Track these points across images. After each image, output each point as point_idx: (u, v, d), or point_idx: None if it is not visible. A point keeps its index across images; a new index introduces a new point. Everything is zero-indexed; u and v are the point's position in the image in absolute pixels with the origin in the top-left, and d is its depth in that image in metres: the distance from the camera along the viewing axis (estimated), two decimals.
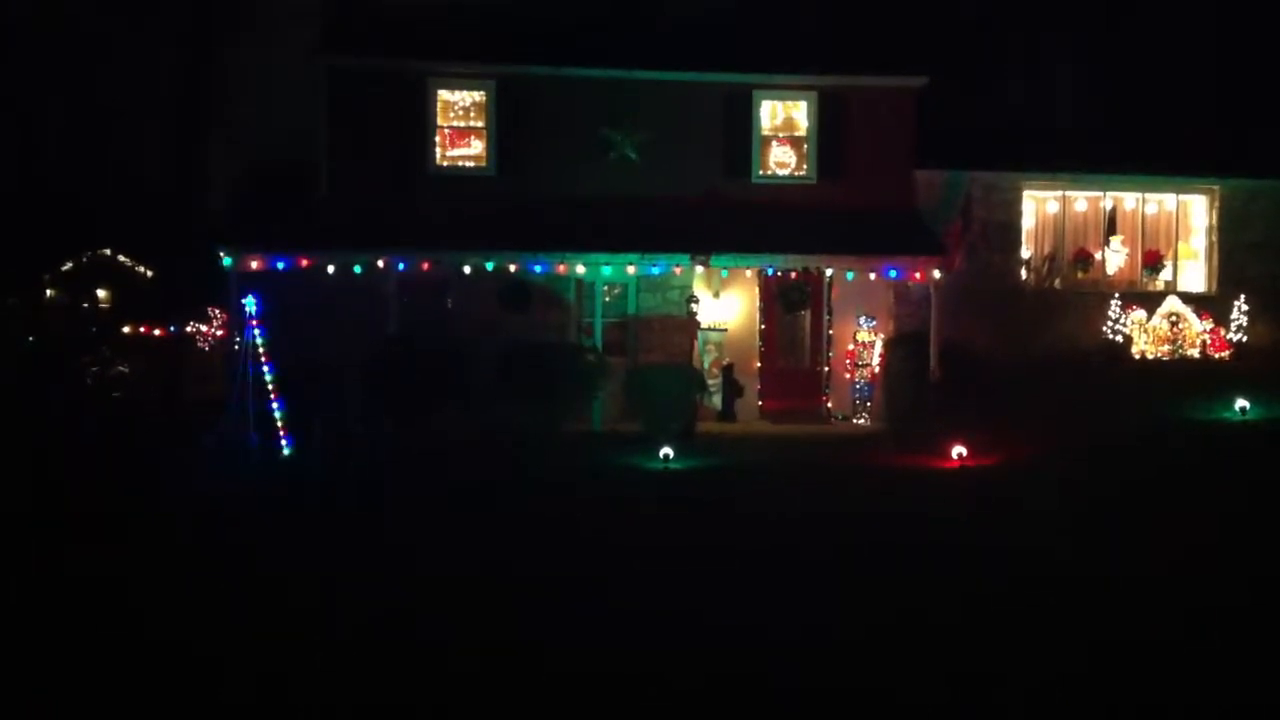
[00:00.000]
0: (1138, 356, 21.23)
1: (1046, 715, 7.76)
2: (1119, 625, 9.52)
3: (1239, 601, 10.03)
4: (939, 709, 7.82)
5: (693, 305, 21.27)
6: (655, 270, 20.55)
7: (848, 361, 21.81)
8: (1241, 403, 17.80)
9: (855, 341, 21.68)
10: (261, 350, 17.64)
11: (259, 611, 9.89)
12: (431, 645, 9.06)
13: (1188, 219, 23.00)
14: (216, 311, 31.48)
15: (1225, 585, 10.54)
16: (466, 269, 19.89)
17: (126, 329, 34.59)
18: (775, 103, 21.94)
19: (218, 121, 33.14)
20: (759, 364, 22.21)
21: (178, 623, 9.58)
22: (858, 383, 21.63)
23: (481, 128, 21.43)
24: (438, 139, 21.36)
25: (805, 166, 21.91)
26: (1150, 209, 22.89)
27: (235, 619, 9.65)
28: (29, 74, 34.62)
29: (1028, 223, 22.61)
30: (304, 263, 19.39)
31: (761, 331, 22.24)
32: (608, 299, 21.27)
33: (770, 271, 21.24)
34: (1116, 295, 21.79)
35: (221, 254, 19.42)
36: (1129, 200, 22.86)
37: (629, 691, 8.12)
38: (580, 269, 20.16)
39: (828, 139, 21.82)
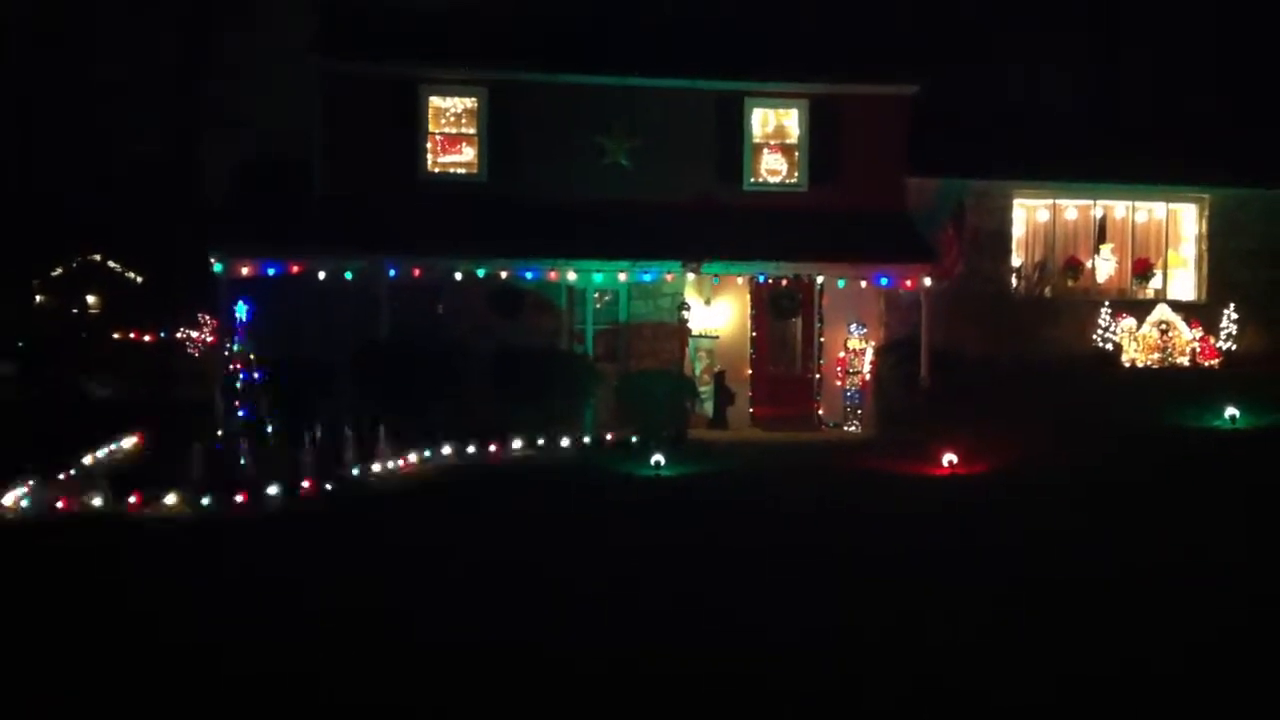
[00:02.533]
0: (1128, 364, 21.28)
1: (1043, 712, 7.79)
2: (1118, 627, 9.53)
3: (1228, 609, 10.04)
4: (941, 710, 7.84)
5: (684, 312, 21.26)
6: (647, 277, 20.56)
7: (839, 368, 21.82)
8: (1231, 410, 17.83)
9: (846, 348, 21.70)
10: (252, 355, 17.62)
11: (257, 613, 9.87)
12: (431, 646, 9.05)
13: (1177, 227, 23.07)
14: (207, 317, 31.48)
15: (1219, 592, 10.55)
16: (458, 275, 19.88)
17: (116, 334, 34.56)
18: (767, 110, 21.97)
19: (209, 126, 33.11)
20: (750, 371, 22.21)
21: (175, 623, 9.56)
22: (849, 389, 21.64)
23: (473, 134, 21.42)
24: (429, 145, 21.34)
25: (797, 173, 21.94)
26: (1140, 217, 22.96)
27: (233, 621, 9.62)
28: (19, 77, 34.55)
29: (1018, 230, 22.68)
30: (295, 268, 19.36)
31: (753, 338, 22.24)
32: (599, 305, 21.26)
33: (761, 278, 21.27)
34: (1106, 303, 21.85)
35: (212, 259, 19.37)
36: (1119, 208, 22.94)
37: (627, 692, 8.11)
38: (572, 275, 20.18)
39: (819, 146, 21.85)
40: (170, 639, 9.26)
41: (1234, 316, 21.83)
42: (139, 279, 41.72)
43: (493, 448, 18.23)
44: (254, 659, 8.77)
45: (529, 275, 20.01)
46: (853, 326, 21.67)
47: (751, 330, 22.24)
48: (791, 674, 8.45)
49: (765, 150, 21.99)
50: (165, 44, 32.50)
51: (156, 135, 34.01)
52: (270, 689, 8.21)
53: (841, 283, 20.94)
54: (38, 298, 40.75)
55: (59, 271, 41.93)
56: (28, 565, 11.74)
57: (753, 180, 21.91)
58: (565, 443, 18.87)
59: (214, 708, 7.91)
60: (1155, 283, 22.75)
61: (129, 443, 18.82)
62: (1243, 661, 8.76)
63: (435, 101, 21.36)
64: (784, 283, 21.27)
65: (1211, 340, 21.55)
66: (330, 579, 11.09)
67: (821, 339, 22.10)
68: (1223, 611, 9.91)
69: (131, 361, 31.10)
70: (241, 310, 17.90)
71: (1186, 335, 21.45)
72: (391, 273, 19.65)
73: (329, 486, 15.51)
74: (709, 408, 21.72)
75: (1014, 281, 22.40)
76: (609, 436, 19.43)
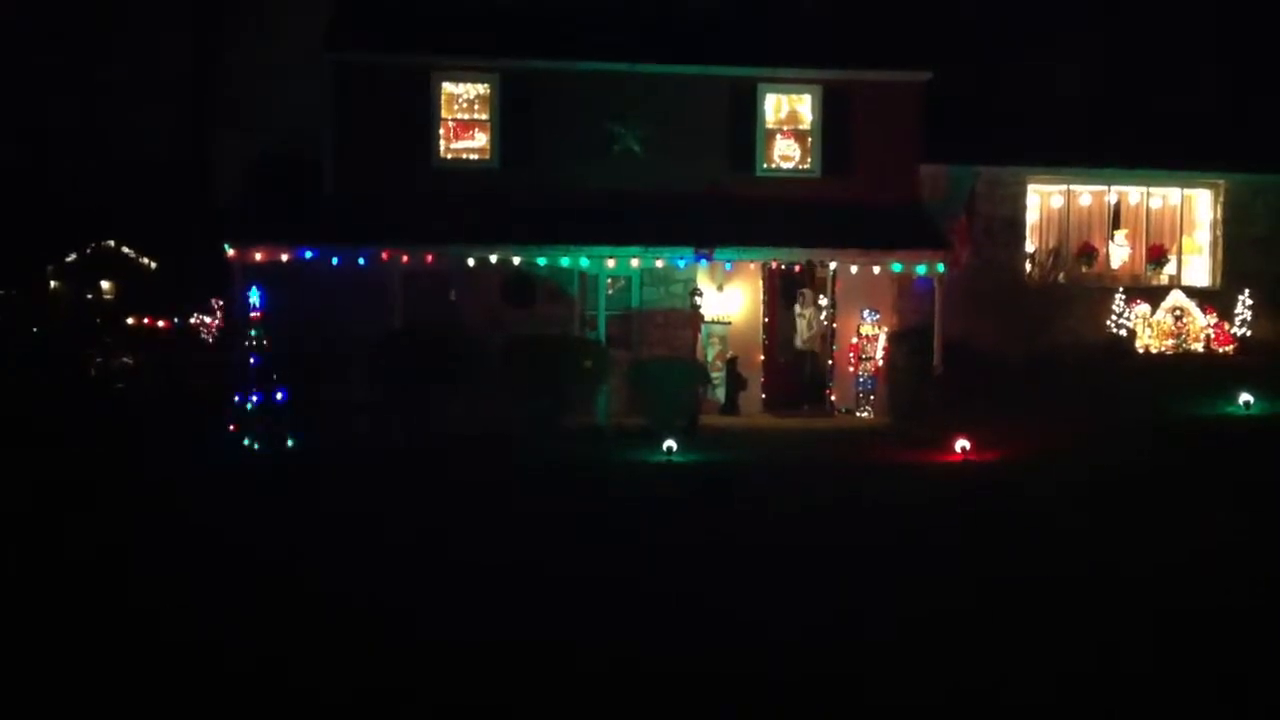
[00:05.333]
0: (1141, 351, 21.21)
1: (1050, 713, 7.78)
2: (1124, 624, 9.52)
3: (1239, 600, 10.03)
4: (947, 709, 7.85)
5: (696, 299, 21.27)
6: (659, 264, 20.53)
7: (851, 355, 21.80)
8: (1245, 397, 17.79)
9: (859, 335, 21.67)
10: (266, 343, 17.67)
11: (262, 606, 9.92)
12: (435, 641, 9.08)
13: (1192, 213, 22.97)
14: (221, 304, 31.54)
15: (1228, 583, 10.54)
16: (471, 262, 19.89)
17: (130, 321, 34.64)
18: (780, 96, 21.90)
19: (223, 114, 33.14)
20: (762, 357, 22.20)
21: (181, 616, 9.61)
22: (861, 376, 21.62)
23: (486, 121, 21.39)
24: (442, 132, 21.32)
25: (810, 160, 21.87)
26: (1155, 203, 22.85)
27: (239, 613, 9.67)
28: (34, 66, 34.62)
29: (1032, 217, 22.58)
30: (308, 255, 19.38)
31: (765, 325, 22.22)
32: (611, 292, 21.21)
33: (774, 265, 21.23)
34: (1120, 290, 21.77)
35: (226, 246, 19.43)
36: (1133, 194, 22.83)
37: (638, 688, 8.14)
38: (584, 262, 20.17)
39: (832, 133, 21.78)
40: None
41: (1249, 303, 21.75)
42: (153, 265, 41.78)
43: (506, 435, 18.28)
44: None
45: (542, 262, 20.01)
46: (866, 313, 21.65)
47: (764, 316, 22.22)
48: (794, 672, 8.45)
49: (778, 136, 21.92)
50: (179, 40, 32.56)
51: (169, 130, 34.09)
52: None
53: (854, 269, 20.90)
54: (52, 284, 40.85)
55: (73, 257, 42.00)
56: None
57: (766, 166, 21.85)
58: (578, 429, 18.89)
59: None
60: (1170, 269, 22.65)
61: None
62: (1241, 659, 8.74)
63: (448, 88, 21.34)
64: (797, 269, 21.20)
65: (1226, 327, 21.47)
66: (336, 572, 11.13)
67: (834, 326, 22.07)
68: (1227, 608, 9.89)
69: (146, 345, 31.21)
70: (255, 297, 17.93)
71: (1201, 322, 21.37)
72: (405, 259, 19.69)
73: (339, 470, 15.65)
74: (721, 394, 21.73)
75: (1028, 268, 22.32)
76: (621, 423, 19.45)
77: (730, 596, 10.20)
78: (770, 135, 21.88)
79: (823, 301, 22.13)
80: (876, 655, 8.76)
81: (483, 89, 21.36)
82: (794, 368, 22.35)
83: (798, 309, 22.23)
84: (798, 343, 22.26)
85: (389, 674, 8.31)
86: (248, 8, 33.32)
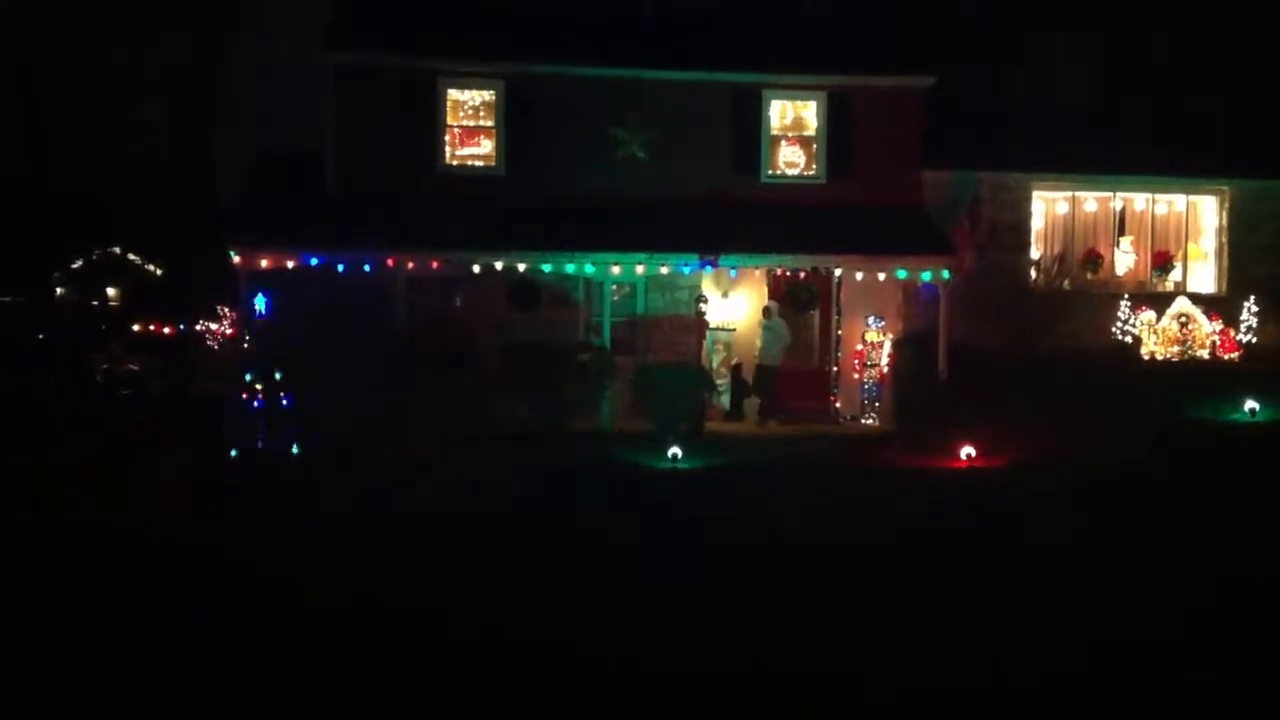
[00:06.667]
0: (1147, 357, 21.18)
1: (1049, 714, 7.77)
2: (1123, 626, 9.51)
3: (1241, 603, 10.01)
4: (947, 709, 7.83)
5: (701, 305, 21.25)
6: (664, 270, 20.53)
7: (856, 361, 21.78)
8: (1251, 404, 17.76)
9: (864, 341, 21.66)
10: (271, 347, 17.69)
11: (262, 607, 9.92)
12: (436, 641, 9.08)
13: (1197, 220, 22.95)
14: (226, 310, 31.61)
15: (1229, 587, 10.52)
16: (476, 268, 19.91)
17: (136, 327, 34.71)
18: (784, 102, 21.92)
19: (224, 113, 33.14)
20: None
21: (180, 616, 9.62)
22: (866, 383, 21.60)
23: (491, 127, 21.40)
24: (448, 138, 21.35)
25: (814, 166, 21.88)
26: (1160, 209, 22.84)
27: (239, 614, 9.67)
28: (38, 70, 34.67)
29: (1037, 223, 22.57)
30: (314, 261, 19.39)
31: None
32: (616, 298, 21.20)
33: (779, 271, 21.23)
34: (1126, 296, 21.75)
35: (231, 252, 19.45)
36: (1139, 201, 22.81)
37: (638, 688, 8.14)
38: (589, 268, 20.18)
39: (837, 138, 21.79)
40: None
41: (1254, 309, 21.72)
42: (159, 271, 41.87)
43: (510, 440, 18.27)
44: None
45: (547, 268, 20.02)
46: (870, 319, 21.62)
47: None
48: (792, 672, 8.44)
49: (783, 142, 21.93)
50: (179, 40, 32.56)
51: (169, 130, 34.09)
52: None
53: (859, 275, 20.89)
54: (58, 290, 40.93)
55: (79, 264, 42.10)
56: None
57: (770, 172, 21.86)
58: (582, 435, 18.89)
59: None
60: (1175, 275, 22.63)
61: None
62: (1241, 661, 8.72)
63: (453, 94, 21.36)
64: (802, 275, 21.21)
65: (1231, 333, 21.43)
66: (342, 579, 11.13)
67: (839, 332, 22.05)
68: (1228, 611, 9.87)
69: (152, 351, 31.28)
70: (260, 303, 17.96)
71: (1206, 328, 21.33)
72: (410, 265, 19.70)
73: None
74: (726, 400, 21.72)
75: (1033, 274, 22.29)
76: (626, 428, 19.44)
77: (730, 597, 10.19)
78: (775, 141, 21.88)
79: (815, 311, 21.95)
80: (877, 655, 8.75)
81: (488, 95, 21.37)
82: (800, 375, 22.20)
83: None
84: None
85: (389, 673, 8.30)
86: (248, 6, 33.35)
